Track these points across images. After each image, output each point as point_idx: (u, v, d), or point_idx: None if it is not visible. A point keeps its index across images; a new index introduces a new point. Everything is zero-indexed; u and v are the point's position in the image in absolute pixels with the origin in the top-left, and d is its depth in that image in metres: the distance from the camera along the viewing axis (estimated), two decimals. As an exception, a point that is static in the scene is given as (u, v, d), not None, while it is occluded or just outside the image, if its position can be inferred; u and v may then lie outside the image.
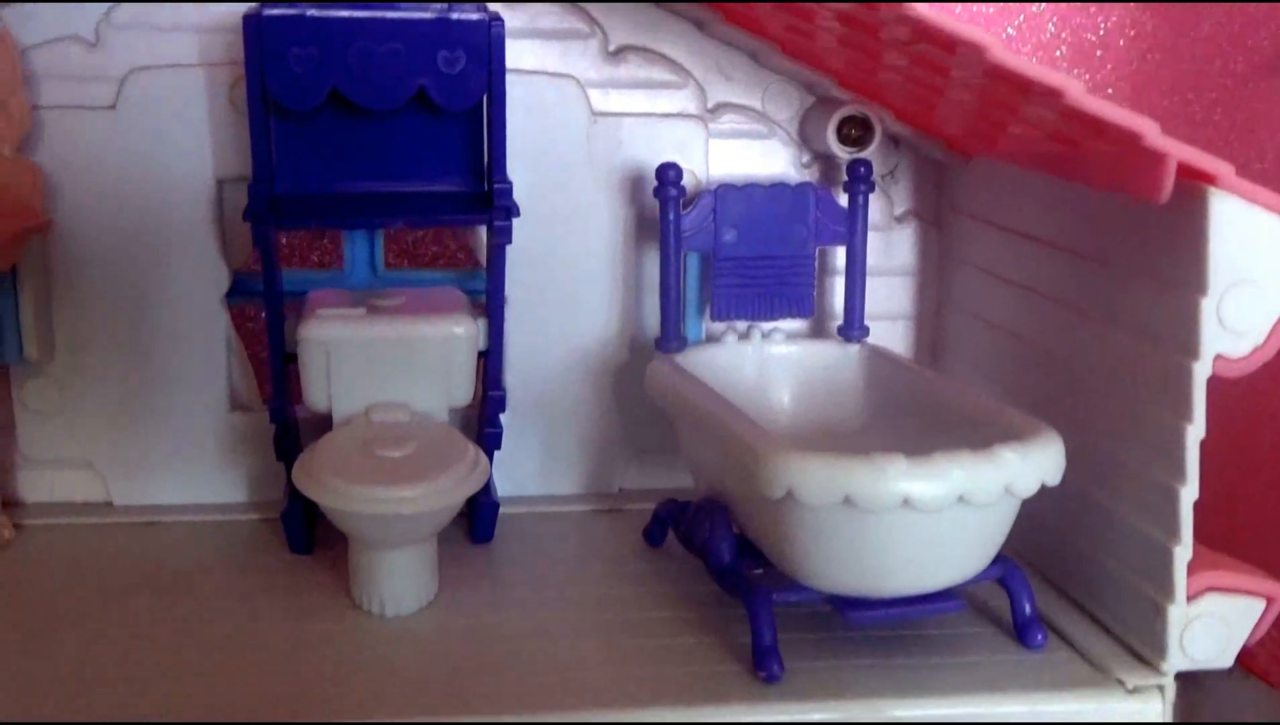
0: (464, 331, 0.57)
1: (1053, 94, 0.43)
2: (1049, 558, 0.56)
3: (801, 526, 0.47)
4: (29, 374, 0.61)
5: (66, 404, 0.62)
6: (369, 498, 0.50)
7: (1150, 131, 0.43)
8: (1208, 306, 0.45)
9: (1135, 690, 0.48)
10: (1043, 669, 0.50)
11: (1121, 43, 0.79)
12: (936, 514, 0.45)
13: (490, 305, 0.59)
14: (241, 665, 0.48)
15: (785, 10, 0.53)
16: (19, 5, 0.57)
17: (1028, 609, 0.51)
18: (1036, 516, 0.52)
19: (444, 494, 0.51)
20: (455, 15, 0.54)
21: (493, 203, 0.57)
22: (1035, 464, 0.47)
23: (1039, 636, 0.51)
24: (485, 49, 0.55)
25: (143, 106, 0.59)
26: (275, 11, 0.53)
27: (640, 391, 0.63)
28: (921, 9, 0.42)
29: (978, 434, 0.48)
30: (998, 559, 0.50)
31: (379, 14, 0.53)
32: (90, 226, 0.60)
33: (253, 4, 0.54)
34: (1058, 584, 0.56)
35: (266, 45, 0.53)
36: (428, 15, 0.54)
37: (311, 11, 0.53)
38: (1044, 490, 0.47)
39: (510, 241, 0.57)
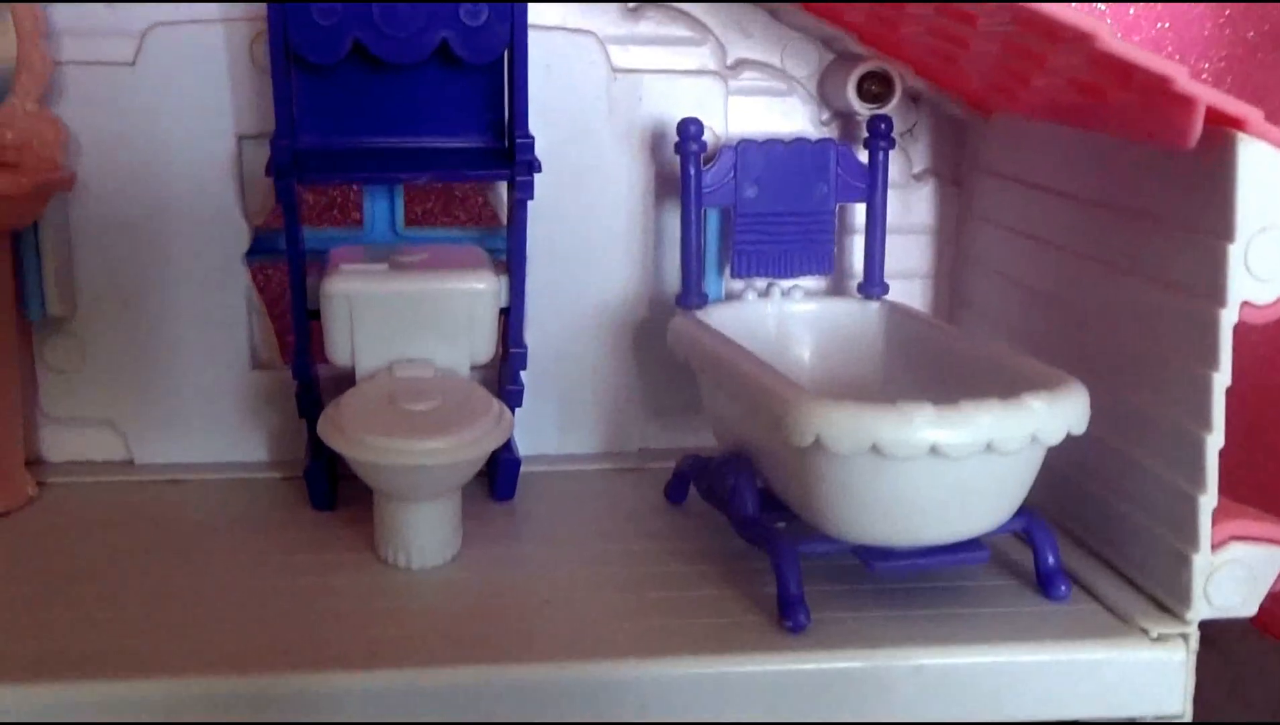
0: (486, 287, 0.57)
1: (1083, 38, 0.43)
2: (1071, 510, 0.56)
3: (828, 476, 0.47)
4: (51, 331, 0.61)
5: (88, 362, 0.62)
6: (396, 449, 0.50)
7: (1180, 75, 0.43)
8: (1235, 253, 0.45)
9: (1159, 638, 0.48)
10: (1067, 619, 0.50)
11: (1132, 11, 0.79)
12: (963, 462, 0.46)
13: (511, 262, 0.59)
14: (266, 615, 0.49)
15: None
16: (39, -40, 0.57)
17: (1051, 560, 0.51)
18: (1058, 469, 0.53)
19: (470, 446, 0.51)
20: (478, -32, 0.54)
21: (515, 158, 0.57)
22: (1061, 413, 0.47)
23: (1062, 587, 0.51)
24: (507, 2, 0.54)
25: (163, 62, 0.59)
26: (298, -36, 0.53)
27: (661, 350, 0.63)
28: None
29: (1001, 386, 0.48)
30: (1021, 510, 0.51)
31: (402, -35, 0.53)
32: (111, 183, 0.60)
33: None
34: (1079, 536, 0.56)
35: (289, -2, 0.53)
36: (450, -33, 0.54)
37: (334, -37, 0.53)
38: (1066, 442, 0.48)
39: (532, 197, 0.57)
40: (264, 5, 0.58)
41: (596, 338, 0.65)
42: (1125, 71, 0.45)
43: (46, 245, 0.59)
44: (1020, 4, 0.43)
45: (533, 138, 0.57)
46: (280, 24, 0.53)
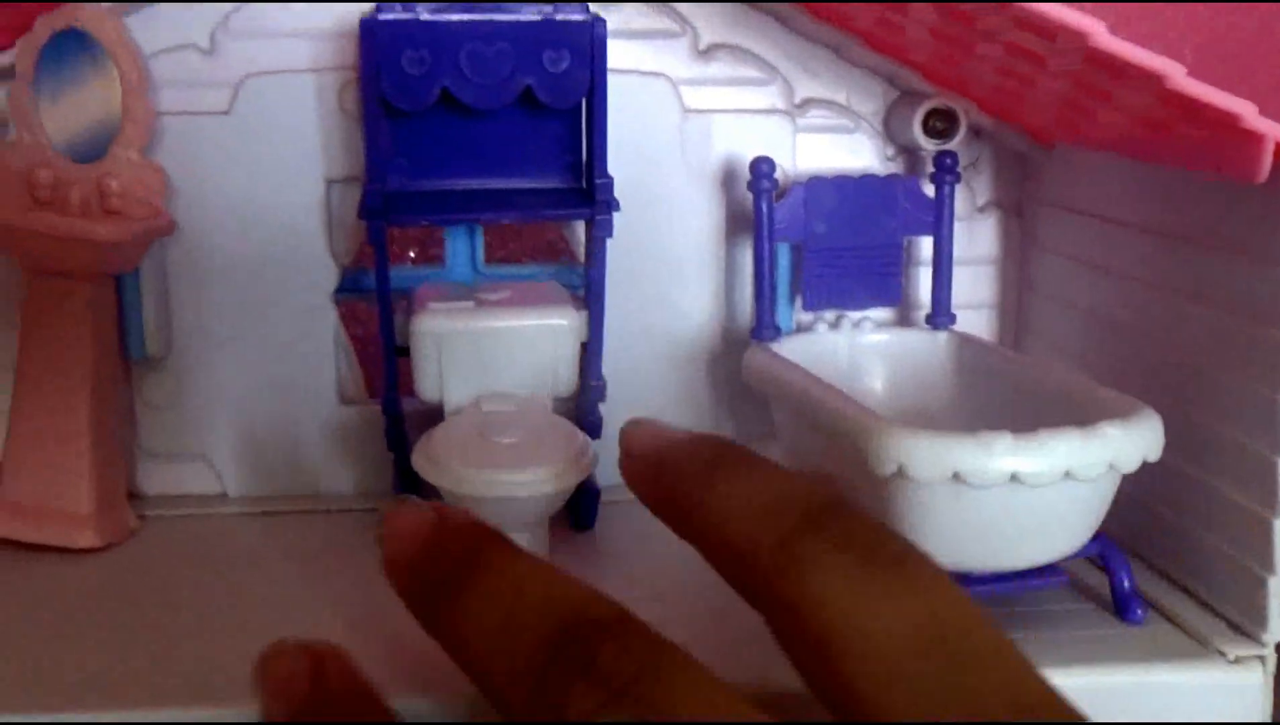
0: (568, 323, 0.59)
1: (1154, 78, 0.45)
2: (1145, 536, 0.57)
3: (909, 503, 0.48)
4: (149, 369, 0.64)
5: (183, 399, 0.65)
6: (489, 481, 0.52)
7: (1248, 113, 0.44)
8: (1305, 280, 0.47)
9: (1237, 661, 0.49)
10: (1144, 642, 0.51)
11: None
12: (1042, 490, 0.47)
13: (590, 297, 0.61)
14: (361, 635, 0.50)
15: (882, 4, 0.55)
16: (140, 13, 0.60)
17: (1126, 584, 0.53)
18: (1131, 495, 0.54)
19: (558, 478, 0.53)
20: (560, 16, 0.56)
21: (594, 198, 0.59)
22: (1138, 440, 0.48)
23: (1138, 611, 0.52)
24: (588, 48, 0.57)
25: (256, 111, 0.62)
26: (390, 16, 0.55)
27: (735, 382, 0.65)
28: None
29: (1073, 413, 0.50)
30: (1095, 536, 0.52)
31: (488, 16, 0.56)
32: (206, 227, 0.62)
33: (368, 6, 0.56)
34: (1153, 561, 0.57)
35: (382, 48, 0.55)
36: (534, 17, 0.56)
37: (425, 15, 0.55)
38: (1140, 470, 0.49)
39: (611, 235, 0.59)
40: (354, 55, 0.61)
41: (672, 370, 0.67)
42: (1194, 108, 0.46)
43: (146, 288, 0.61)
44: (1094, 49, 0.45)
45: (611, 178, 0.59)
46: (373, 72, 0.56)
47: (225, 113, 0.62)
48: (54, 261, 0.57)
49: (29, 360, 0.58)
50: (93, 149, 0.59)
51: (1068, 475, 0.47)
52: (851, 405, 0.51)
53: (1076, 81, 0.52)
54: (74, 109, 0.59)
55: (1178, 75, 0.44)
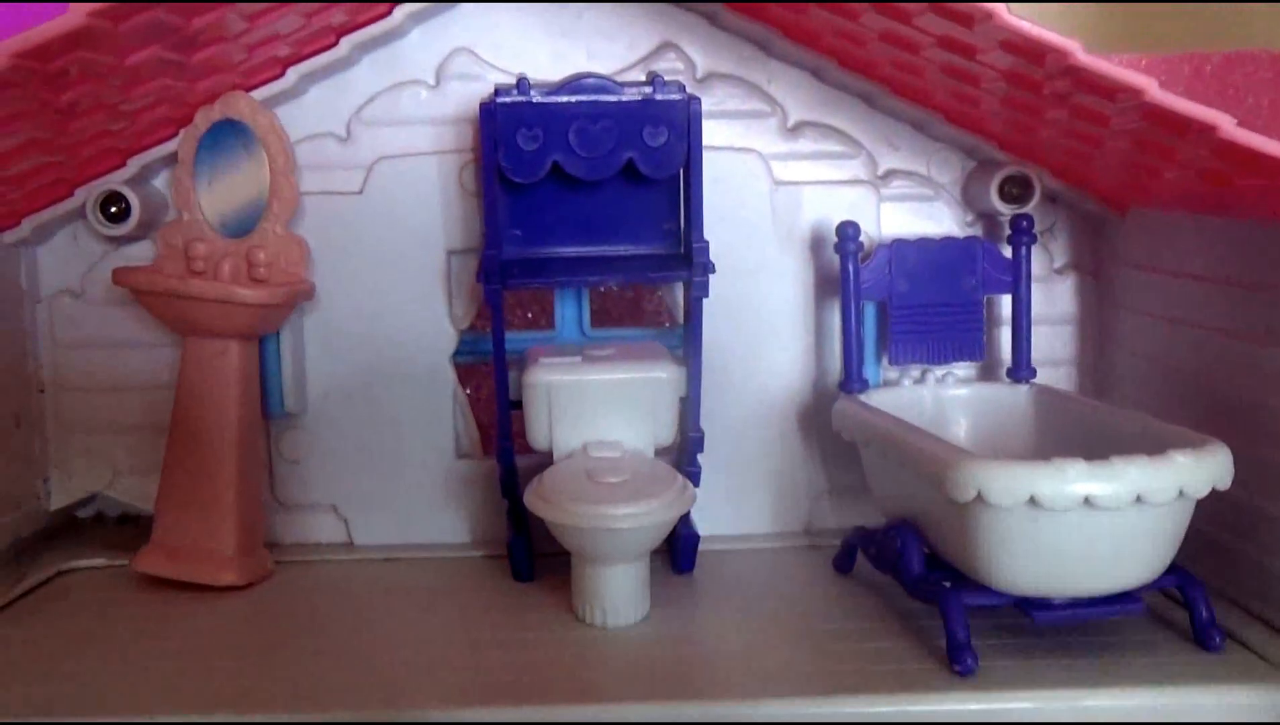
0: (668, 376, 0.64)
1: (1207, 130, 0.49)
2: (1221, 570, 0.59)
3: (989, 530, 0.51)
4: (285, 426, 0.70)
5: (315, 453, 0.70)
6: (595, 514, 0.56)
7: (1298, 159, 0.48)
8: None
9: (1316, 684, 0.51)
10: (1224, 668, 0.53)
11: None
12: (1115, 514, 0.50)
13: (688, 354, 0.65)
14: (480, 663, 0.55)
15: (953, 76, 0.59)
16: (287, 105, 0.67)
17: (1205, 613, 0.55)
18: (1207, 532, 0.56)
19: (659, 512, 0.57)
20: (659, 96, 0.62)
21: (691, 260, 0.64)
22: (1207, 467, 0.51)
23: (1217, 638, 0.54)
24: (685, 124, 0.62)
25: (385, 190, 0.69)
26: (507, 99, 0.61)
27: (825, 434, 0.69)
28: (1086, 59, 0.48)
29: (1146, 449, 0.52)
30: (1172, 568, 0.54)
31: (594, 98, 0.62)
32: (339, 294, 0.69)
33: (488, 92, 0.63)
34: (1230, 594, 0.59)
35: (499, 128, 0.61)
36: (636, 97, 0.62)
37: (537, 98, 0.61)
38: (1217, 505, 0.51)
39: (707, 295, 0.64)
40: (473, 138, 0.68)
41: (766, 423, 0.71)
42: (1250, 158, 0.50)
43: (286, 349, 0.68)
44: (1150, 104, 0.49)
45: (707, 242, 0.64)
46: (491, 150, 0.62)
47: (358, 192, 0.69)
48: (208, 324, 0.63)
49: (183, 416, 0.64)
50: (243, 225, 0.66)
51: (1139, 500, 0.50)
52: (932, 440, 0.55)
53: (1138, 141, 0.56)
54: (228, 190, 0.66)
55: (1228, 125, 0.48)
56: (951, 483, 0.51)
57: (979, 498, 0.50)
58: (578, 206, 0.66)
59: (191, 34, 0.55)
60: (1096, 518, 0.50)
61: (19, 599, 0.64)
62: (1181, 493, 0.50)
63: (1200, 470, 0.51)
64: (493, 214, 0.63)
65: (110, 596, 0.64)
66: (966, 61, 0.56)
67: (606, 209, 0.66)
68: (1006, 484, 0.50)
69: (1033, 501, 0.50)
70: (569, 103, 0.62)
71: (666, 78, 0.63)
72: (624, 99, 0.62)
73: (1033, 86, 0.55)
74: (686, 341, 0.66)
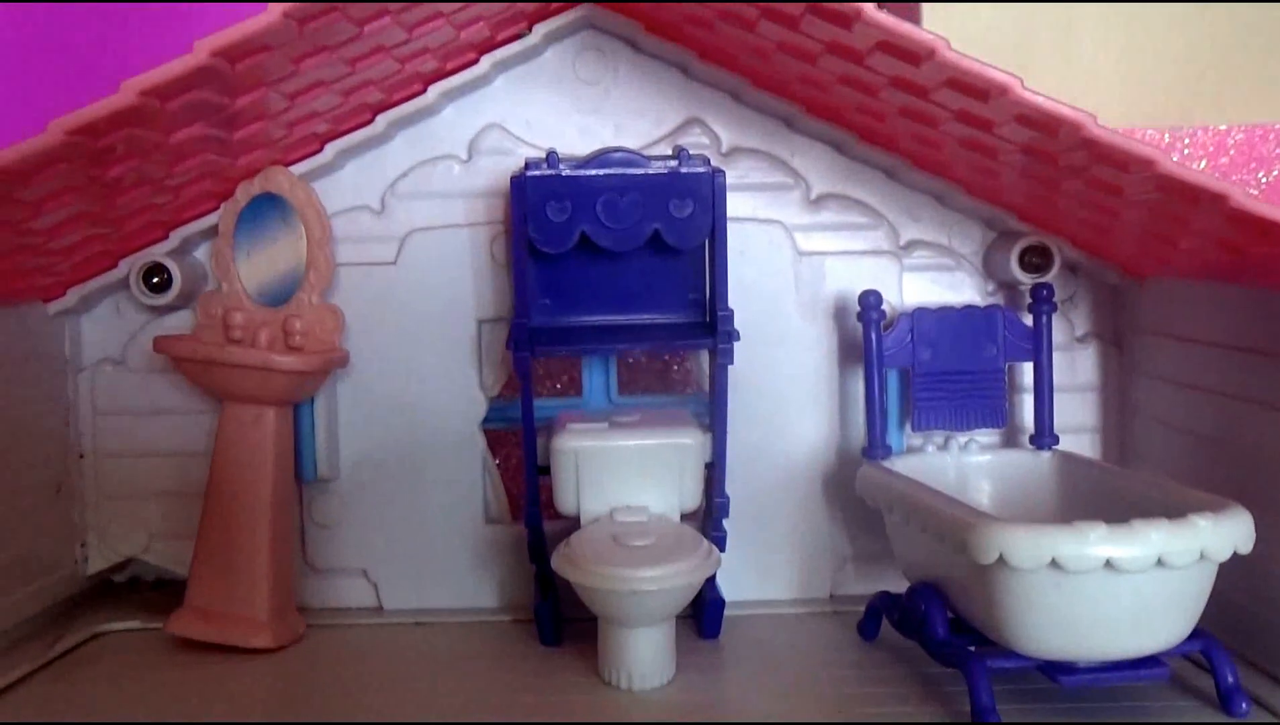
0: (693, 441, 0.65)
1: (1218, 199, 0.50)
2: (1243, 636, 0.59)
3: (1012, 593, 0.52)
4: (317, 492, 0.71)
5: (346, 518, 0.72)
6: (622, 577, 0.57)
7: (1309, 227, 0.49)
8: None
9: (1343, 749, 0.51)
10: (1250, 734, 0.53)
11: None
12: (1137, 577, 0.50)
13: (713, 420, 0.67)
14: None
15: (971, 150, 0.61)
16: (324, 180, 0.70)
17: (1230, 678, 0.55)
18: (1232, 599, 0.56)
19: (684, 575, 0.58)
20: (684, 169, 0.64)
21: (716, 328, 0.65)
22: (1228, 531, 0.51)
23: (1243, 704, 0.54)
24: (710, 196, 0.64)
25: (418, 261, 0.70)
26: (537, 172, 0.63)
27: (849, 501, 0.69)
28: (1099, 132, 0.50)
29: (1169, 513, 0.53)
30: (1197, 633, 0.54)
31: (621, 170, 0.64)
32: (372, 362, 0.71)
33: (518, 167, 0.65)
34: (1252, 660, 0.59)
35: (529, 200, 0.63)
36: (662, 170, 0.64)
37: (566, 171, 0.63)
38: (1239, 571, 0.52)
39: (732, 362, 0.65)
40: (503, 210, 0.70)
41: (790, 490, 0.72)
42: (1262, 227, 0.51)
43: (320, 415, 0.69)
44: (1163, 175, 0.50)
45: (732, 311, 0.65)
46: (522, 221, 0.64)
47: (392, 263, 0.71)
48: (244, 391, 0.65)
49: (218, 480, 0.66)
50: (280, 294, 0.68)
51: (1161, 563, 0.50)
52: (955, 504, 0.56)
53: (1153, 210, 0.57)
54: (266, 261, 0.68)
55: (1238, 195, 0.49)
56: (974, 546, 0.52)
57: (1001, 560, 0.51)
58: (605, 276, 0.67)
59: (235, 112, 0.57)
60: (1118, 581, 0.50)
61: (55, 660, 0.65)
62: (1203, 556, 0.51)
63: (1221, 534, 0.51)
64: (522, 283, 0.65)
65: (144, 659, 0.65)
66: (984, 134, 0.57)
67: (633, 279, 0.67)
68: (1028, 547, 0.50)
69: (1055, 564, 0.50)
70: (597, 176, 0.64)
71: (692, 151, 0.65)
72: (650, 172, 0.64)
73: (1049, 159, 0.57)
74: (712, 408, 0.67)
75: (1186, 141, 0.86)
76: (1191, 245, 0.59)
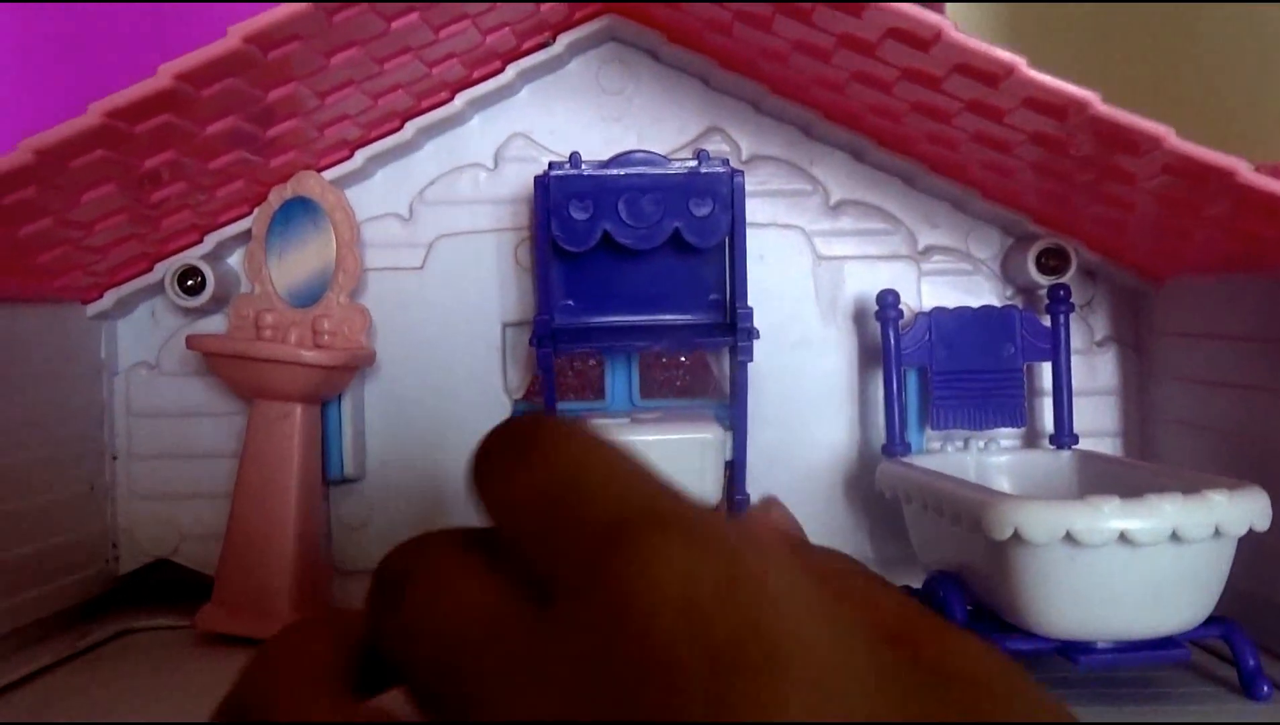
0: (714, 437, 0.66)
1: (1225, 175, 0.51)
2: (1263, 624, 0.59)
3: (1028, 569, 0.52)
4: (345, 493, 0.73)
5: (372, 517, 0.73)
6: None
7: (1318, 201, 0.50)
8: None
9: (1367, 730, 0.51)
10: (1273, 717, 0.53)
11: None
12: (1152, 551, 0.51)
13: (734, 419, 0.67)
14: None
15: (984, 145, 0.62)
16: (355, 187, 0.72)
17: (1251, 662, 0.54)
18: (1250, 588, 0.56)
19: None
20: (704, 169, 0.65)
21: (735, 326, 0.66)
22: (1243, 507, 0.51)
23: (1265, 688, 0.54)
24: (729, 196, 0.65)
25: (444, 266, 0.72)
26: (560, 172, 0.65)
27: (869, 499, 0.70)
28: (1105, 110, 0.51)
29: (1188, 492, 0.53)
30: (1216, 619, 0.54)
31: (642, 170, 0.65)
32: (398, 364, 0.72)
33: (542, 168, 0.66)
34: (1271, 648, 0.58)
35: (552, 199, 0.65)
36: (682, 171, 0.65)
37: (588, 171, 0.65)
38: (1258, 559, 0.52)
39: (751, 360, 0.66)
40: (527, 216, 0.71)
41: (811, 492, 0.72)
42: (1271, 204, 0.52)
43: (346, 415, 0.71)
44: (1170, 151, 0.51)
45: (751, 309, 0.66)
46: (545, 220, 0.65)
47: (419, 268, 0.72)
48: (273, 386, 0.66)
49: (247, 476, 0.67)
50: (310, 295, 0.69)
51: (1175, 537, 0.50)
52: (970, 485, 0.56)
53: (1165, 200, 0.58)
54: (296, 263, 0.70)
55: (1245, 169, 0.50)
56: (989, 522, 0.52)
57: (1016, 536, 0.51)
58: (627, 277, 0.69)
59: (267, 106, 0.60)
60: (1134, 555, 0.51)
61: (81, 654, 0.66)
62: (1218, 531, 0.51)
63: (1236, 509, 0.51)
64: (546, 282, 0.67)
65: (170, 655, 0.66)
66: (996, 126, 0.59)
67: (654, 279, 0.69)
68: (1043, 521, 0.51)
69: (1069, 538, 0.50)
70: (618, 175, 0.65)
71: (713, 157, 0.67)
72: (671, 171, 0.65)
73: (1059, 147, 0.58)
74: (732, 406, 0.68)
75: None
76: (1206, 237, 0.60)
